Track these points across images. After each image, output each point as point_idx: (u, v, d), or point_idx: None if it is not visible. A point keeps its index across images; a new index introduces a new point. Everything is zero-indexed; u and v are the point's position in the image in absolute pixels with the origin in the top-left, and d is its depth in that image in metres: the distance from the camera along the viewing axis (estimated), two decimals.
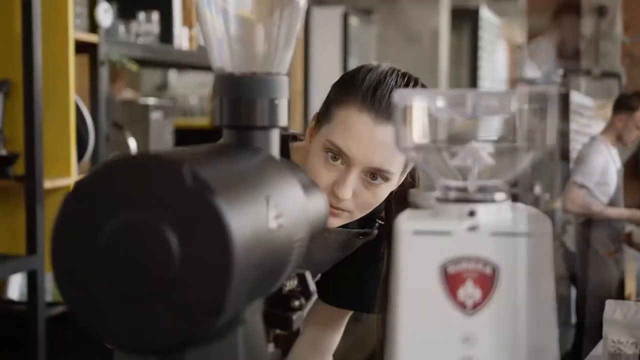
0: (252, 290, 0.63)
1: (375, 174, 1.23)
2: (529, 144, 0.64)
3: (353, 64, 5.88)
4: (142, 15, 3.12)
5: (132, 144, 2.97)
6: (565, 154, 6.92)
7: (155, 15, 3.18)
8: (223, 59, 0.75)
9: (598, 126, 8.46)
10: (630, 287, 4.76)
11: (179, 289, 0.57)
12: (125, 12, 3.05)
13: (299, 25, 0.77)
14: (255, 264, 0.61)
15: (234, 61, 0.75)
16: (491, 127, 0.65)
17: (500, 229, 0.62)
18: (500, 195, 0.65)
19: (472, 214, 0.63)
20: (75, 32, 2.49)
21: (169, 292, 0.57)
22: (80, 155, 2.58)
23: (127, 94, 4.46)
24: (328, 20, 5.34)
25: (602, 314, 1.63)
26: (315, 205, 0.77)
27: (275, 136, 0.75)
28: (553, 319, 0.64)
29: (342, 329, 1.56)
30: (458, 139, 0.66)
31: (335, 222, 1.27)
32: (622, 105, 4.46)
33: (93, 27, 2.61)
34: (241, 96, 0.73)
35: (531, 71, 6.53)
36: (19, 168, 2.41)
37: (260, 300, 0.71)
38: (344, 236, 1.37)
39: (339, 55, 5.39)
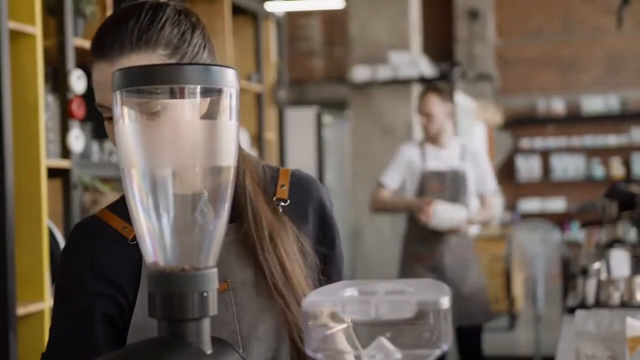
0: None
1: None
2: (431, 345, 0.70)
3: (329, 160, 6.01)
4: None
5: None
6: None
7: None
8: (156, 254, 0.81)
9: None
10: None
11: None
12: (100, 132, 3.12)
13: (224, 220, 0.83)
14: None
15: (166, 257, 0.81)
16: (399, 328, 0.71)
17: None
18: None
19: None
20: (48, 159, 2.55)
21: None
22: (54, 279, 2.62)
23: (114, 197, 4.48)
24: (302, 120, 5.48)
25: None
26: None
27: (206, 325, 0.81)
28: None
29: None
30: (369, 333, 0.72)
31: None
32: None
33: (65, 151, 2.68)
34: (173, 291, 0.79)
35: None
36: None
37: None
38: None
39: (314, 152, 5.52)
